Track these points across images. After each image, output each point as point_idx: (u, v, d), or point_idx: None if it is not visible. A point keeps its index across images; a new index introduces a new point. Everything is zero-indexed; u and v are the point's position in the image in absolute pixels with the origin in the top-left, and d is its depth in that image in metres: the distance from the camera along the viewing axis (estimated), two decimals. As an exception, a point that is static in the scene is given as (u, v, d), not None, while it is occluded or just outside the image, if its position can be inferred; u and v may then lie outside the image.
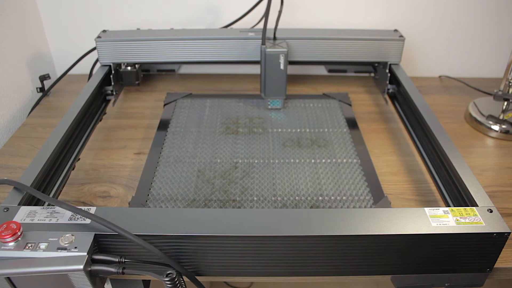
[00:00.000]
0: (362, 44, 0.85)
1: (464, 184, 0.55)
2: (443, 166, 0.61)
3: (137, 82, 0.89)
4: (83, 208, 0.48)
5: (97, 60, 0.88)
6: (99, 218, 0.46)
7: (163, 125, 0.77)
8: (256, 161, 0.68)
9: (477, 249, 0.48)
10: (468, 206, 0.51)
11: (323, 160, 0.68)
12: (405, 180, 0.68)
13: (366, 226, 0.47)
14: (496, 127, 0.79)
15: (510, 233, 0.47)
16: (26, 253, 0.44)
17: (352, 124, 0.78)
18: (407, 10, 0.95)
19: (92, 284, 0.45)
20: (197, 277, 0.49)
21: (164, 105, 0.84)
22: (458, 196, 0.57)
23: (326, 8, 0.95)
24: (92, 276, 0.45)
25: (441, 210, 0.49)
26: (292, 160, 0.68)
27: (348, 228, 0.47)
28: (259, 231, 0.47)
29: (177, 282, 0.44)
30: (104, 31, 0.87)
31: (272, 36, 0.82)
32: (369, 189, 0.62)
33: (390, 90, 0.86)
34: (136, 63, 0.89)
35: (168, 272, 0.44)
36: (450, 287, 0.53)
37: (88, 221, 0.47)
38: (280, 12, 0.82)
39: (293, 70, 1.01)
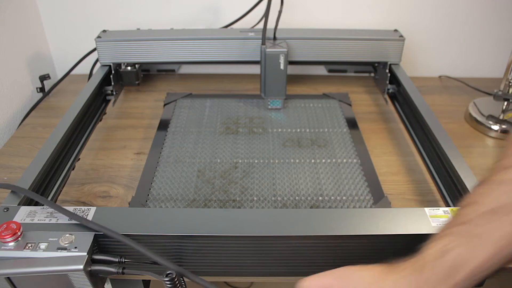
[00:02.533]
0: (362, 44, 0.85)
1: (464, 184, 0.55)
2: (443, 166, 0.61)
3: (137, 82, 0.89)
4: (83, 208, 0.48)
5: (97, 60, 0.88)
6: (94, 223, 0.46)
7: (163, 125, 0.77)
8: (256, 161, 0.68)
9: (477, 249, 0.48)
10: (468, 206, 0.51)
11: (323, 160, 0.68)
12: (405, 180, 0.68)
13: (366, 226, 0.47)
14: (496, 127, 0.79)
15: (510, 233, 0.47)
16: (26, 253, 0.44)
17: (352, 124, 0.78)
18: (407, 10, 0.95)
19: (92, 284, 0.45)
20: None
21: (164, 105, 0.84)
22: (458, 196, 0.57)
23: (326, 8, 0.95)
24: (92, 276, 0.45)
25: (441, 210, 0.49)
26: (292, 160, 0.68)
27: (348, 228, 0.47)
28: (259, 231, 0.47)
29: (177, 282, 0.44)
30: (104, 31, 0.87)
31: (272, 36, 0.82)
32: (369, 189, 0.62)
33: (390, 90, 0.86)
34: (136, 63, 0.89)
35: (168, 272, 0.44)
36: (450, 287, 0.53)
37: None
38: (280, 12, 0.82)
39: (293, 70, 1.01)
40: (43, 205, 0.54)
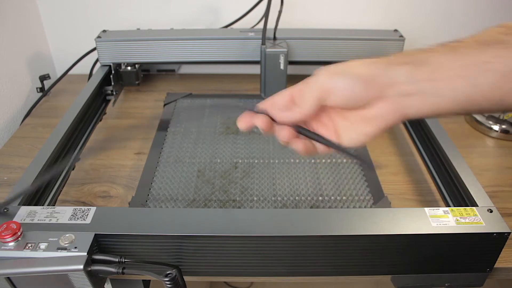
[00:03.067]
0: (362, 44, 0.85)
1: (464, 184, 0.55)
2: (443, 166, 0.61)
3: (137, 82, 0.89)
4: (83, 208, 0.48)
5: (97, 60, 0.88)
6: None
7: (163, 125, 0.77)
8: (256, 161, 0.68)
9: (477, 249, 0.48)
10: (468, 206, 0.51)
11: (323, 160, 0.68)
12: (405, 180, 0.68)
13: (366, 226, 0.47)
14: (496, 127, 0.79)
15: (510, 233, 0.47)
16: (26, 253, 0.44)
17: (352, 124, 0.77)
18: (406, 10, 0.95)
19: (92, 284, 0.45)
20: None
21: (164, 105, 0.84)
22: (458, 196, 0.57)
23: (326, 8, 0.95)
24: (92, 276, 0.45)
25: (441, 210, 0.49)
26: (292, 160, 0.68)
27: (348, 228, 0.47)
28: (259, 231, 0.47)
29: (177, 282, 0.44)
30: (104, 31, 0.87)
31: (272, 36, 0.82)
32: (369, 189, 0.62)
33: (390, 90, 0.86)
34: (136, 63, 0.89)
35: (168, 272, 0.44)
36: (450, 287, 0.53)
37: (88, 221, 0.47)
38: (280, 12, 0.82)
39: (293, 70, 1.01)
40: (43, 205, 0.54)
